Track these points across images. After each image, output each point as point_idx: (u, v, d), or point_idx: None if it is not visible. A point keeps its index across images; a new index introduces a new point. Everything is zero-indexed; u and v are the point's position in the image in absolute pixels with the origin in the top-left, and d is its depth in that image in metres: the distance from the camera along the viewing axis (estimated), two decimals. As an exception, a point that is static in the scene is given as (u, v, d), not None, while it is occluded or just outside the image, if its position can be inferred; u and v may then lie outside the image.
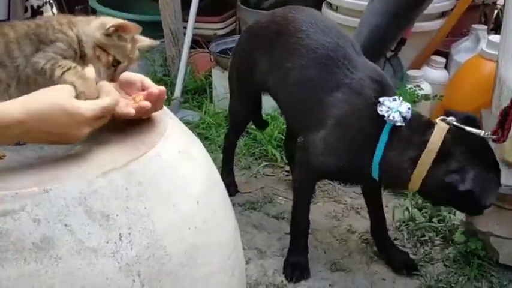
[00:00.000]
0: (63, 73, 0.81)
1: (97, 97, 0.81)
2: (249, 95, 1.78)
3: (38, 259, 0.73)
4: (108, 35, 0.84)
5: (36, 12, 1.03)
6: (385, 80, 1.48)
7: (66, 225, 0.75)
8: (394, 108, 1.35)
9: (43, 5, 1.04)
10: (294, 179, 1.66)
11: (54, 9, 1.09)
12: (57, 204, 0.75)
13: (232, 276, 1.00)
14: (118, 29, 0.84)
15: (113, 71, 0.87)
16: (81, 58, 0.86)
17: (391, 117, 1.34)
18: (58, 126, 0.76)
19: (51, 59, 0.81)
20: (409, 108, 1.36)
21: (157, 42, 0.94)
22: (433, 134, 1.34)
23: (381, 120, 1.36)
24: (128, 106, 0.86)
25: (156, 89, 0.90)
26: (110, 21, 0.85)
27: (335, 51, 1.45)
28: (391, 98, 1.37)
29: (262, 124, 1.99)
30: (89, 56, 0.85)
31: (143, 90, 0.92)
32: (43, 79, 0.82)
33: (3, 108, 0.73)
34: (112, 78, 0.88)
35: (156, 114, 0.99)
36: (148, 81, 0.93)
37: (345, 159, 1.43)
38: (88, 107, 0.77)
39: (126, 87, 0.90)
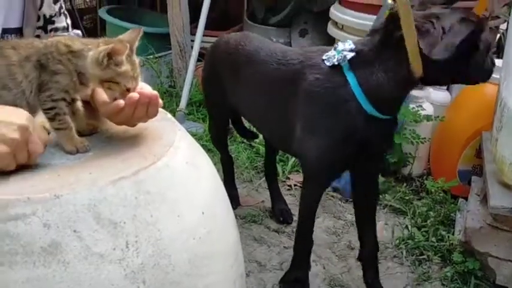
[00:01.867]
0: (58, 129, 0.89)
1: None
2: (220, 117, 1.86)
3: (46, 263, 0.75)
4: (106, 66, 0.85)
5: (48, 21, 1.06)
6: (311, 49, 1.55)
7: (75, 231, 0.77)
8: (337, 51, 1.36)
9: (55, 15, 1.07)
10: (301, 196, 1.60)
11: (68, 20, 1.12)
12: (67, 210, 0.77)
13: (234, 287, 1.02)
14: (109, 55, 0.85)
15: (127, 93, 0.89)
16: (82, 84, 0.89)
17: (340, 59, 1.34)
18: None
19: (55, 108, 0.87)
20: (346, 42, 1.37)
21: (141, 28, 0.94)
22: (400, 13, 1.25)
23: (339, 68, 1.36)
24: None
25: (148, 91, 0.92)
26: (99, 51, 0.86)
27: (279, 61, 1.50)
28: (331, 51, 1.39)
29: (248, 135, 2.03)
30: (100, 88, 0.89)
31: None
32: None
33: None
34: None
35: (165, 125, 1.01)
36: (146, 86, 0.95)
37: (338, 131, 1.38)
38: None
39: None
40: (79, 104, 0.93)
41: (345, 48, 1.36)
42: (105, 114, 0.94)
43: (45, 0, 1.04)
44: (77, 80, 0.88)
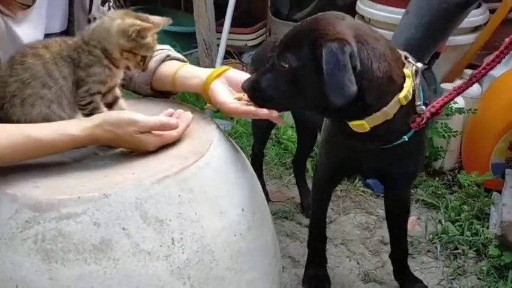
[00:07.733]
0: None
1: None
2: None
3: (97, 260, 0.78)
4: (132, 39, 0.89)
5: None
6: None
7: (123, 228, 0.79)
8: None
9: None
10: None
11: None
12: (116, 209, 0.80)
13: (273, 283, 1.03)
14: (140, 32, 0.89)
15: (142, 64, 0.93)
16: (114, 64, 0.92)
17: None
18: None
19: (92, 103, 0.90)
20: None
21: (168, 19, 0.98)
22: None
23: None
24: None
25: None
26: (129, 25, 0.89)
27: None
28: None
29: None
30: (117, 58, 0.91)
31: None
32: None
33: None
34: (143, 69, 0.95)
35: (204, 124, 1.03)
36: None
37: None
38: None
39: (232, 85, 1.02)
40: (117, 91, 0.95)
41: None
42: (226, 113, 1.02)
43: (94, 3, 1.06)
44: (109, 64, 0.90)
